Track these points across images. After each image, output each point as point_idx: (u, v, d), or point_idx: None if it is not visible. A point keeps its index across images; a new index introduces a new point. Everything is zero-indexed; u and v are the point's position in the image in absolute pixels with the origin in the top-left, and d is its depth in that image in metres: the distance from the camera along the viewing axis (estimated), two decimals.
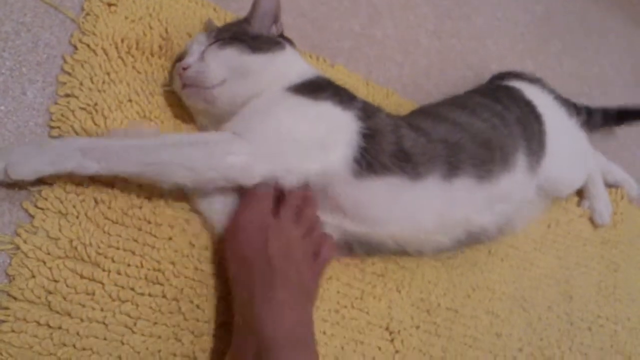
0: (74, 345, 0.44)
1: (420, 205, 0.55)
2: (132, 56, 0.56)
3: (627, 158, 1.00)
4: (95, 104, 0.52)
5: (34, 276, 0.44)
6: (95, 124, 0.51)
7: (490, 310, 0.68)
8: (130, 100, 0.54)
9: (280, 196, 0.51)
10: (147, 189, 0.50)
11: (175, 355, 0.48)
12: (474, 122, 0.62)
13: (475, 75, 0.90)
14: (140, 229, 0.50)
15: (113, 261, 0.48)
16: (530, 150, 0.65)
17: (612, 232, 0.86)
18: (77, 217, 0.47)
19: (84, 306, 0.45)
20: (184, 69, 0.53)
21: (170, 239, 0.51)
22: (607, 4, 1.19)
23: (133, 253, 0.49)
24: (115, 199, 0.49)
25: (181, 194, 0.52)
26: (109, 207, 0.49)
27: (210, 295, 0.51)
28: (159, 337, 0.47)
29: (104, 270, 0.47)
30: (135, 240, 0.49)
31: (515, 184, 0.62)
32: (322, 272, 0.53)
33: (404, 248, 0.58)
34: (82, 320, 0.45)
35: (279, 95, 0.53)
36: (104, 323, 0.46)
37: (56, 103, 0.51)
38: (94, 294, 0.46)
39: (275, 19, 0.59)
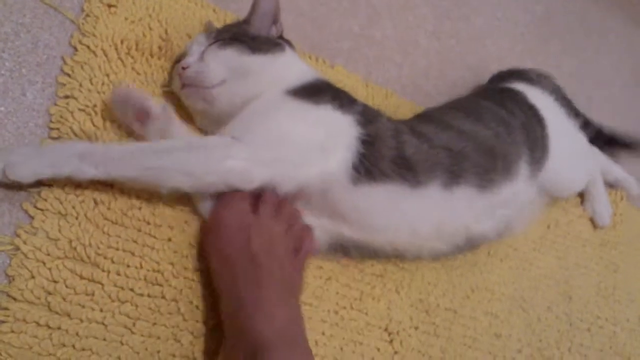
0: (73, 346, 0.44)
1: (419, 213, 0.55)
2: (132, 57, 0.57)
3: (626, 157, 1.00)
4: (95, 106, 0.52)
5: (33, 277, 0.44)
6: (95, 126, 0.51)
7: (489, 311, 0.68)
8: None
9: (258, 193, 0.50)
10: (147, 190, 0.51)
11: (174, 355, 0.48)
12: (478, 129, 0.61)
13: (474, 76, 0.90)
14: (139, 230, 0.50)
15: (112, 262, 0.48)
16: (532, 158, 0.65)
17: (611, 233, 0.86)
18: (77, 218, 0.47)
19: (83, 307, 0.45)
20: (184, 68, 0.53)
21: (169, 240, 0.51)
22: (606, 4, 1.19)
23: (132, 254, 0.49)
24: (114, 199, 0.49)
25: (180, 195, 0.52)
26: (109, 208, 0.49)
27: (209, 296, 0.51)
28: (158, 337, 0.48)
29: (103, 270, 0.47)
30: (135, 241, 0.49)
31: (516, 192, 0.62)
32: (305, 266, 0.53)
33: (402, 254, 0.58)
34: (81, 320, 0.45)
35: (278, 98, 0.53)
36: (103, 324, 0.46)
37: (55, 104, 0.51)
38: (93, 294, 0.46)
39: (275, 20, 0.59)
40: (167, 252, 0.50)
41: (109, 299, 0.46)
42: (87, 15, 0.56)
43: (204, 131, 0.57)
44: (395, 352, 0.59)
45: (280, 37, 0.60)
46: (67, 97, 0.51)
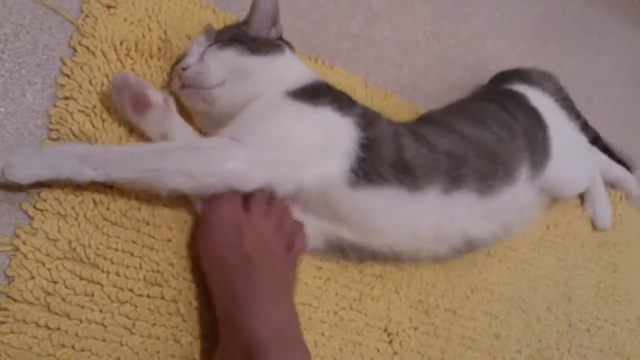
0: (72, 347, 0.44)
1: (417, 217, 0.55)
2: (131, 58, 0.57)
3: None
4: (94, 107, 0.52)
5: (33, 277, 0.44)
6: (94, 127, 0.51)
7: (488, 312, 0.68)
8: None
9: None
10: (146, 191, 0.50)
11: (174, 356, 0.48)
12: (481, 134, 0.61)
13: (473, 76, 0.90)
14: (139, 231, 0.50)
15: (112, 262, 0.48)
16: (533, 162, 0.66)
17: (610, 234, 0.86)
18: (76, 219, 0.47)
19: (83, 307, 0.45)
20: (184, 69, 0.53)
21: (169, 240, 0.51)
22: (606, 5, 1.19)
23: (132, 254, 0.49)
24: (114, 200, 0.49)
25: (179, 196, 0.52)
26: (108, 209, 0.49)
27: (209, 296, 0.51)
28: (158, 338, 0.48)
29: (102, 271, 0.47)
30: (134, 242, 0.49)
31: (516, 196, 0.62)
32: (298, 263, 0.53)
33: (400, 256, 0.58)
34: (81, 321, 0.45)
35: (278, 99, 0.52)
36: (102, 324, 0.46)
37: (55, 106, 0.51)
38: (93, 295, 0.46)
39: (274, 22, 0.59)
40: (167, 252, 0.50)
41: (108, 300, 0.47)
42: (87, 17, 0.56)
43: (203, 132, 0.57)
44: (395, 353, 0.59)
45: (280, 38, 0.60)
46: (66, 98, 0.51)
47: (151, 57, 0.58)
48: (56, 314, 0.44)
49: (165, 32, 0.60)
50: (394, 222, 0.54)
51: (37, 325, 0.43)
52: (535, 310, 0.72)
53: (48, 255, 0.45)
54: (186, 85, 0.54)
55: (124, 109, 0.52)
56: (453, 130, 0.60)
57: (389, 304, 0.61)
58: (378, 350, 0.58)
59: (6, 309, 0.43)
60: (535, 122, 0.69)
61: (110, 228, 0.49)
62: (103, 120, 0.52)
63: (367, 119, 0.54)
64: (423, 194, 0.54)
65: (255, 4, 0.58)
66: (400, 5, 0.88)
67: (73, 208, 0.47)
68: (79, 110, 0.51)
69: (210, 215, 0.49)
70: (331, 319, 0.57)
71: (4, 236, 0.45)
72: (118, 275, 0.48)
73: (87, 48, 0.54)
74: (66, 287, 0.45)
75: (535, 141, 0.67)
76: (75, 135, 0.50)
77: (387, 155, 0.53)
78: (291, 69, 0.57)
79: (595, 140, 0.87)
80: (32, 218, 0.46)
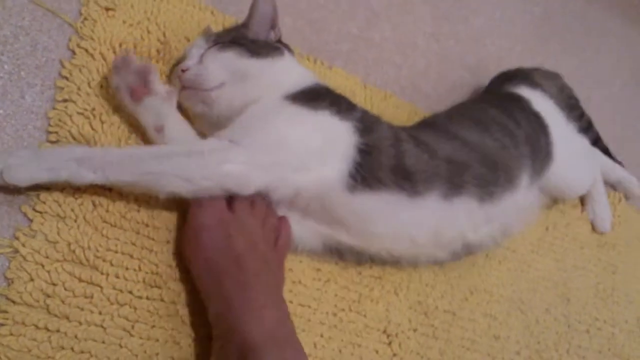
0: (72, 349, 0.44)
1: (416, 222, 0.55)
2: None
3: (625, 158, 1.00)
4: (93, 109, 0.52)
5: (32, 279, 0.44)
6: (93, 129, 0.51)
7: (488, 313, 0.68)
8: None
9: None
10: (145, 193, 0.51)
11: (173, 358, 0.48)
12: (483, 140, 0.61)
13: (473, 77, 0.90)
14: (138, 232, 0.50)
15: (111, 264, 0.48)
16: (534, 168, 0.66)
17: (609, 235, 0.86)
18: (76, 221, 0.47)
19: (82, 309, 0.45)
20: (183, 71, 0.53)
21: (168, 242, 0.51)
22: (606, 5, 1.19)
23: (131, 256, 0.49)
24: (113, 202, 0.50)
25: (178, 198, 0.52)
26: (107, 211, 0.49)
27: None
28: (157, 340, 0.48)
29: (102, 273, 0.47)
30: (134, 244, 0.49)
31: (516, 201, 0.62)
32: (285, 257, 0.53)
33: (398, 260, 0.58)
34: (80, 323, 0.45)
35: (277, 103, 0.52)
36: (102, 326, 0.46)
37: (54, 108, 0.51)
38: (92, 297, 0.46)
39: (273, 24, 0.59)
40: (166, 254, 0.50)
41: (107, 302, 0.47)
42: (85, 19, 0.56)
43: (202, 134, 0.57)
44: (394, 354, 0.59)
45: (279, 41, 0.60)
46: (65, 100, 0.51)
47: (150, 59, 0.58)
48: (55, 316, 0.44)
49: (164, 34, 0.60)
50: (393, 227, 0.54)
51: (37, 327, 0.43)
52: (534, 311, 0.72)
53: (47, 257, 0.45)
54: (185, 87, 0.54)
55: (120, 91, 0.51)
56: (455, 136, 0.60)
57: (388, 305, 0.61)
58: (377, 351, 0.59)
59: (5, 311, 0.43)
60: (538, 127, 0.70)
61: (109, 230, 0.49)
62: (102, 123, 0.52)
63: (366, 123, 0.54)
64: (423, 200, 0.54)
65: (254, 6, 0.58)
66: (401, 6, 0.88)
67: (72, 210, 0.47)
68: (78, 113, 0.51)
69: (197, 218, 0.48)
70: (330, 321, 0.57)
71: (3, 238, 0.45)
72: (117, 277, 0.48)
73: (86, 50, 0.54)
74: (65, 289, 0.45)
75: (537, 146, 0.67)
76: (74, 138, 0.50)
77: (386, 160, 0.53)
78: (290, 71, 0.57)
79: (597, 141, 0.87)
80: (31, 220, 0.46)
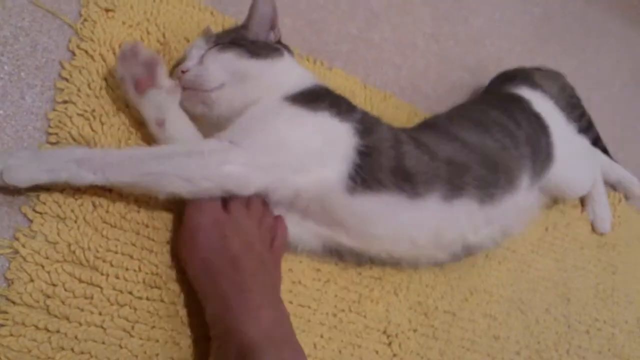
0: (72, 349, 0.44)
1: (417, 223, 0.55)
2: None
3: (625, 158, 1.00)
4: (93, 110, 0.52)
5: (32, 280, 0.44)
6: (93, 130, 0.51)
7: (487, 313, 0.68)
8: (127, 106, 0.54)
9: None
10: (145, 194, 0.51)
11: (173, 359, 0.48)
12: (484, 142, 0.61)
13: (473, 77, 0.90)
14: (138, 233, 0.50)
15: (111, 265, 0.48)
16: (535, 170, 0.66)
17: (609, 235, 0.86)
18: (76, 221, 0.47)
19: (82, 310, 0.45)
20: (183, 72, 0.53)
21: (168, 243, 0.51)
22: (605, 5, 1.19)
23: (131, 257, 0.49)
24: (113, 202, 0.50)
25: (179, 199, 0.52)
26: (107, 211, 0.49)
27: None
28: (157, 340, 0.48)
29: (102, 274, 0.47)
30: (134, 244, 0.49)
31: (516, 202, 0.62)
32: (281, 257, 0.53)
33: (398, 261, 0.58)
34: (80, 324, 0.45)
35: (276, 104, 0.52)
36: (102, 327, 0.46)
37: (54, 109, 0.51)
38: (92, 297, 0.46)
39: (273, 25, 0.59)
40: (166, 255, 0.50)
41: (107, 302, 0.47)
42: (85, 20, 0.56)
43: (202, 134, 0.57)
44: (394, 355, 0.59)
45: (279, 42, 0.60)
46: (65, 102, 0.51)
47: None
48: (55, 316, 0.44)
49: (163, 35, 0.60)
50: (393, 228, 0.54)
51: (37, 328, 0.43)
52: (534, 311, 0.72)
53: (47, 258, 0.45)
54: (186, 88, 0.54)
55: (125, 82, 0.51)
56: (456, 137, 0.60)
57: (388, 306, 0.61)
58: (377, 352, 0.59)
59: (5, 312, 0.43)
60: (539, 128, 0.70)
61: (109, 231, 0.49)
62: (102, 124, 0.52)
63: (366, 125, 0.54)
64: (423, 201, 0.54)
65: (253, 7, 0.58)
66: (400, 7, 0.88)
67: (72, 211, 0.48)
68: (78, 114, 0.51)
69: (193, 219, 0.48)
70: (330, 321, 0.57)
71: (3, 239, 0.45)
72: (117, 277, 0.48)
73: (86, 52, 0.55)
74: (65, 289, 0.45)
75: (538, 147, 0.67)
76: (74, 139, 0.50)
77: (386, 162, 0.53)
78: (290, 72, 0.57)
79: (596, 141, 0.87)
80: (31, 221, 0.46)
